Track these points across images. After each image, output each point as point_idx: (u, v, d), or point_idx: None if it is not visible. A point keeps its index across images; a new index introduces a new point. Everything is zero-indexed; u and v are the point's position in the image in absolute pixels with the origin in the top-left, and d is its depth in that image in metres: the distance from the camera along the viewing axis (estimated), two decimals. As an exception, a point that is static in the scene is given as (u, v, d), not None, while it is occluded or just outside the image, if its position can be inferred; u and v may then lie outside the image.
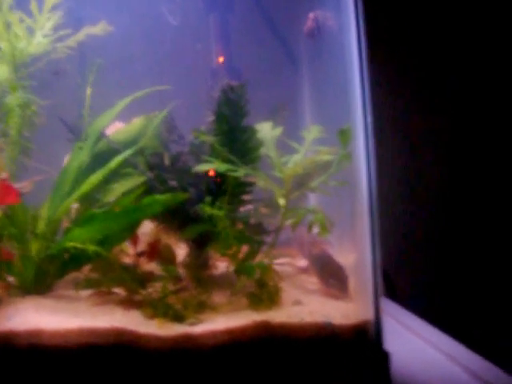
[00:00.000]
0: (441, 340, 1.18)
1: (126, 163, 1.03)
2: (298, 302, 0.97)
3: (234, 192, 0.95)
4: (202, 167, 0.93)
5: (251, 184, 0.98)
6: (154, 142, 1.04)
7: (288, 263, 1.22)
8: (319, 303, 0.98)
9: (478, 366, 1.07)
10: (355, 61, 0.90)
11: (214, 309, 0.96)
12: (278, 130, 1.03)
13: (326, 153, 0.93)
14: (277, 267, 1.10)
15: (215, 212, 0.90)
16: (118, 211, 0.91)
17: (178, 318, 0.94)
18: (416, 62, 1.95)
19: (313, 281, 1.09)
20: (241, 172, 0.93)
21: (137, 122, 1.12)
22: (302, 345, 0.91)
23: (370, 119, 0.90)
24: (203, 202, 0.92)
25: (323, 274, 1.04)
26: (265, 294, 0.94)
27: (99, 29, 1.16)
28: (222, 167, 0.92)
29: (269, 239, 1.08)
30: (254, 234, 0.98)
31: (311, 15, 1.31)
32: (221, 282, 1.02)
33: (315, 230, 0.93)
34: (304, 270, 1.17)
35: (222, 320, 0.93)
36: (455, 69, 2.01)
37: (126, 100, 1.13)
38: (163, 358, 0.91)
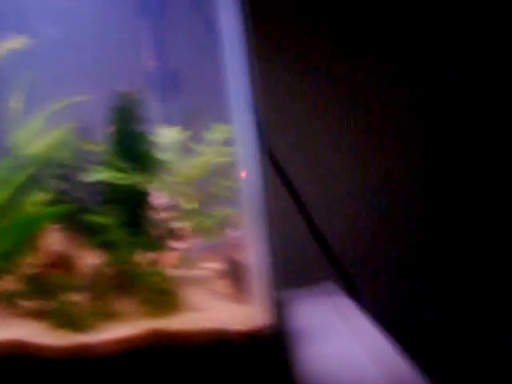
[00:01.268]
0: (382, 346, 1.14)
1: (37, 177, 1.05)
2: (199, 308, 0.96)
3: (130, 200, 0.95)
4: (90, 177, 0.93)
5: (146, 192, 0.97)
6: (65, 153, 1.05)
7: (208, 268, 1.21)
8: (222, 309, 0.96)
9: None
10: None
11: (117, 317, 0.96)
12: (182, 135, 1.02)
13: (218, 154, 0.92)
14: (192, 272, 1.09)
15: (102, 220, 0.90)
16: (8, 225, 0.93)
17: (78, 328, 0.95)
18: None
19: (227, 285, 1.07)
20: (130, 179, 0.92)
21: (54, 133, 1.14)
22: (193, 353, 0.89)
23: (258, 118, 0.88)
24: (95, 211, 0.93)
25: (234, 277, 1.02)
26: (163, 301, 0.94)
27: (18, 43, 1.17)
28: (109, 176, 0.92)
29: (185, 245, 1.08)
30: (160, 241, 0.98)
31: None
32: (129, 290, 1.01)
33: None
34: (222, 275, 1.16)
35: (119, 329, 0.93)
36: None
37: (44, 113, 1.14)
38: (58, 368, 0.91)
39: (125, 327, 0.92)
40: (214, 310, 0.95)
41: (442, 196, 2.13)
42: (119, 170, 0.93)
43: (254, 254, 0.90)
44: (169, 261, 1.06)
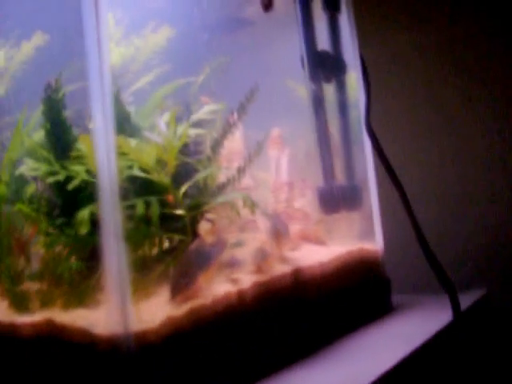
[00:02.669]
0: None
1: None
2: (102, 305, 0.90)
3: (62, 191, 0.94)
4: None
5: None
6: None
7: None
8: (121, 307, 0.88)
9: None
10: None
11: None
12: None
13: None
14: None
15: (27, 210, 0.92)
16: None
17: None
18: None
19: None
20: (53, 173, 0.91)
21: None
22: (63, 349, 0.86)
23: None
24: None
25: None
26: (71, 293, 0.92)
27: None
28: (33, 168, 0.93)
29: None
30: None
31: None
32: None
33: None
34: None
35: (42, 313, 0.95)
36: None
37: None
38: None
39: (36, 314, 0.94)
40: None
41: None
42: (46, 161, 0.95)
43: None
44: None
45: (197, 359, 0.86)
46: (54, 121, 0.94)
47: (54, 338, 0.87)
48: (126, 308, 0.78)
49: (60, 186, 0.96)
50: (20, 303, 0.99)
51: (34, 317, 0.93)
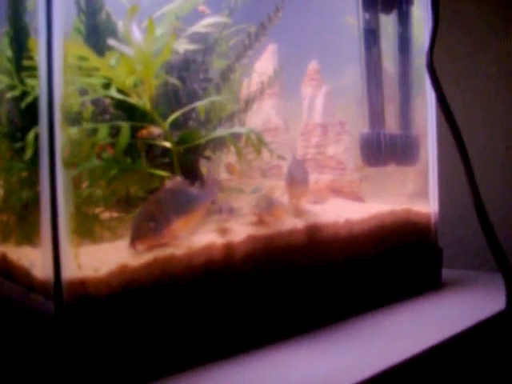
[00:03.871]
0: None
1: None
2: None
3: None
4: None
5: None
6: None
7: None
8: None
9: None
10: None
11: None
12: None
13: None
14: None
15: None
16: None
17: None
18: None
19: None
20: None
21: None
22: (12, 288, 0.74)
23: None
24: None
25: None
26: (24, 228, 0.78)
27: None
28: None
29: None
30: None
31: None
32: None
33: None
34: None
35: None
36: None
37: None
38: None
39: None
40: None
41: None
42: (8, 73, 0.80)
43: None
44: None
45: (151, 321, 0.71)
46: (15, 26, 0.80)
47: (7, 274, 0.76)
48: (60, 250, 0.64)
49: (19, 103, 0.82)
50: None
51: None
